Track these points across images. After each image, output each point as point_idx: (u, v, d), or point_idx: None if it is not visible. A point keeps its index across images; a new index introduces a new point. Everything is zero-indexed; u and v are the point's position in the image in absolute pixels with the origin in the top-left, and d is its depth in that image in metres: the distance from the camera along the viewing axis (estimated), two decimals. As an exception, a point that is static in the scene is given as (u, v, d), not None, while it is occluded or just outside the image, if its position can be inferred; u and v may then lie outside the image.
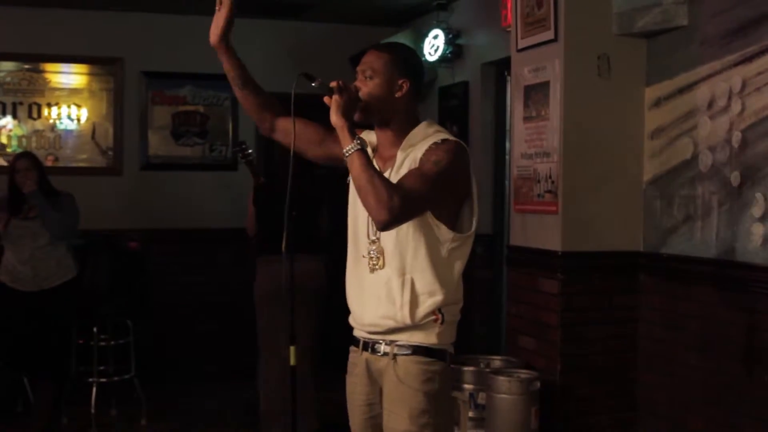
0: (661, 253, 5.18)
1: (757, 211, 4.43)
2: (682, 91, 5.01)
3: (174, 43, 8.34)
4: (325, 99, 3.00)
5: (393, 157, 3.11)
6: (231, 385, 7.77)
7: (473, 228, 3.12)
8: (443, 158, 2.98)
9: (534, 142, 5.45)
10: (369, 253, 3.13)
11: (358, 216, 3.20)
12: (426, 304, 3.07)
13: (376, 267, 3.10)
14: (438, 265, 3.06)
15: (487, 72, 7.25)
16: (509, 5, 6.03)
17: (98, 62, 8.31)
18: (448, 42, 7.50)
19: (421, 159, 3.00)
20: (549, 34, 5.30)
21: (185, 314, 8.33)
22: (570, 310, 5.25)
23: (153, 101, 8.44)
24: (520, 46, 5.63)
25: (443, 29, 7.54)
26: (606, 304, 5.33)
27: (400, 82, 3.12)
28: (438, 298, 3.07)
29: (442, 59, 7.58)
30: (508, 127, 6.72)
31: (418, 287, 3.05)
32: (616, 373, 5.37)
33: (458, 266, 3.13)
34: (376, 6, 8.01)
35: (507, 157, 6.74)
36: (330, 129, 3.10)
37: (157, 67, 8.42)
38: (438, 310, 3.09)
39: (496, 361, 5.61)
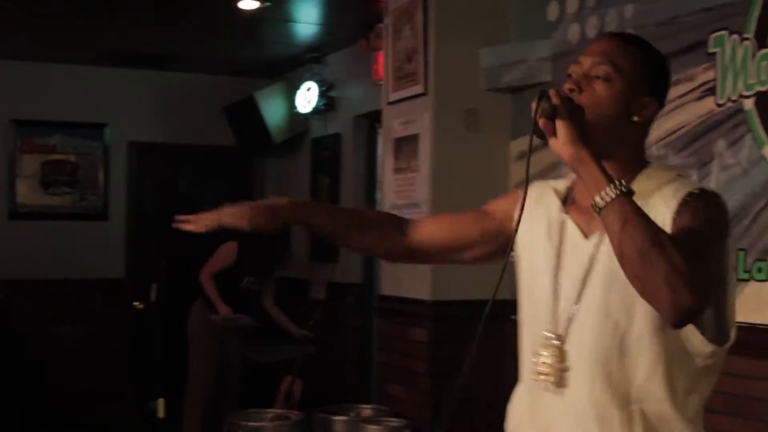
0: (527, 302, 5.29)
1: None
2: (546, 144, 5.16)
3: (44, 91, 8.22)
4: (541, 123, 1.92)
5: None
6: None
7: (734, 332, 2.01)
8: (717, 220, 1.96)
9: (404, 193, 5.55)
10: (542, 355, 2.07)
11: (536, 299, 2.15)
12: None
13: (551, 382, 2.04)
14: (680, 389, 1.97)
15: (359, 124, 7.36)
16: (380, 59, 6.14)
17: (-35, 110, 8.15)
18: (321, 94, 7.60)
19: (675, 219, 1.93)
20: (419, 88, 5.42)
21: (55, 366, 8.13)
22: (439, 358, 5.32)
23: (22, 150, 8.29)
24: (390, 99, 5.74)
25: (316, 81, 7.63)
26: (476, 351, 5.40)
27: (645, 101, 2.05)
28: None
29: (315, 111, 7.67)
30: (378, 178, 6.82)
31: (656, 427, 1.97)
32: (486, 419, 5.45)
33: (707, 391, 2.04)
34: (250, 57, 8.06)
35: (377, 208, 6.83)
36: (481, 215, 2.34)
37: (26, 115, 8.27)
38: None
39: (366, 410, 5.62)
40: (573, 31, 4.96)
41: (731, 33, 3.95)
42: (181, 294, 6.80)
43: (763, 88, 3.75)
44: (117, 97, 8.24)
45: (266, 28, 7.15)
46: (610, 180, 1.83)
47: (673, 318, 1.78)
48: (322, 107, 7.64)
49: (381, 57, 6.10)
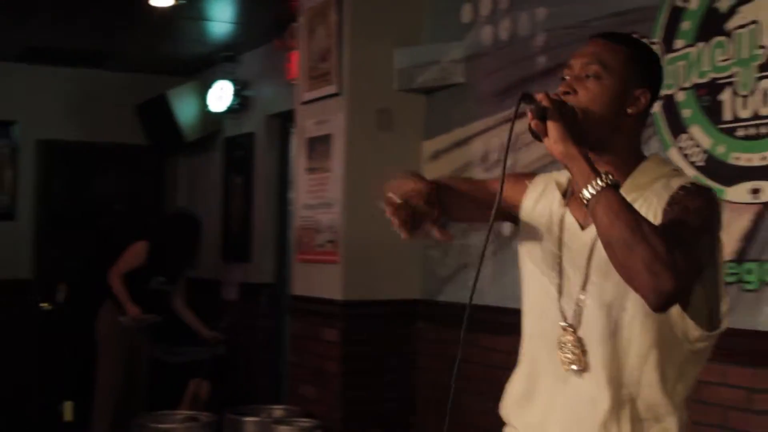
0: (438, 301, 5.34)
1: (527, 260, 4.63)
2: (458, 144, 5.21)
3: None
4: (533, 123, 2.03)
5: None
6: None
7: (725, 322, 2.10)
8: (705, 212, 2.04)
9: (317, 193, 5.55)
10: (563, 345, 2.13)
11: (540, 290, 2.23)
12: None
13: (575, 369, 2.11)
14: (670, 375, 2.07)
15: (272, 124, 7.33)
16: (294, 59, 6.13)
17: None
18: (234, 93, 7.55)
19: (666, 210, 2.03)
20: (332, 88, 5.42)
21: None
22: (351, 358, 5.33)
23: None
24: (304, 99, 5.74)
25: (230, 80, 7.59)
26: (386, 351, 5.43)
27: (637, 92, 2.13)
28: (669, 427, 2.09)
29: (229, 110, 7.62)
30: (291, 178, 6.80)
31: (642, 410, 2.07)
32: (396, 419, 5.47)
33: (694, 377, 2.14)
34: (163, 55, 7.97)
35: (290, 207, 6.81)
36: (488, 184, 2.36)
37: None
38: None
39: (278, 411, 5.62)
40: (486, 33, 5.01)
41: (639, 37, 4.01)
42: (89, 295, 6.71)
43: (669, 92, 3.83)
44: (27, 94, 8.10)
45: (180, 26, 7.08)
46: (597, 174, 1.93)
47: (654, 301, 1.87)
48: (236, 106, 7.59)
49: (295, 56, 6.09)
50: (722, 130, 3.64)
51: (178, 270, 6.71)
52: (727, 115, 3.62)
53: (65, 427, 6.35)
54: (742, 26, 3.59)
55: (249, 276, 7.46)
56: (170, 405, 6.12)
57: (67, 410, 6.32)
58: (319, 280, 5.53)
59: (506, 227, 4.71)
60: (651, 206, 2.04)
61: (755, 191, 3.51)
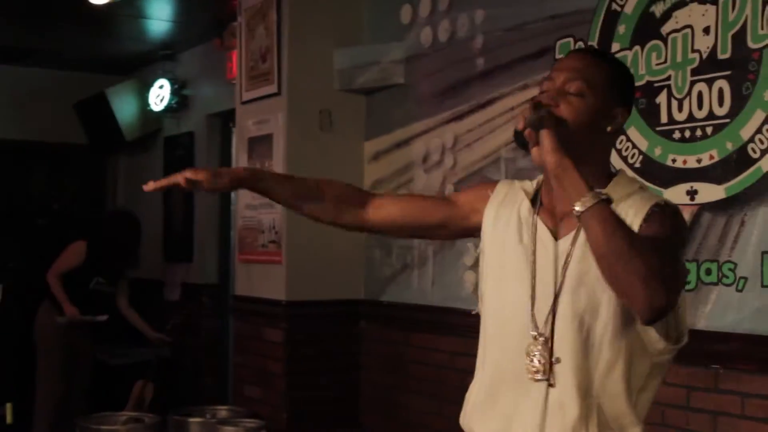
0: (381, 301, 5.37)
1: (468, 259, 4.69)
2: (399, 145, 5.24)
3: None
4: (527, 134, 2.03)
5: (575, 218, 2.00)
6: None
7: (686, 335, 2.14)
8: (681, 230, 2.17)
9: (259, 193, 5.53)
10: (532, 355, 2.13)
11: (508, 296, 2.22)
12: None
13: (542, 379, 2.11)
14: (634, 387, 2.11)
15: (213, 123, 7.30)
16: (234, 58, 6.12)
17: None
18: (173, 92, 7.52)
19: (643, 227, 2.05)
20: (272, 88, 5.42)
21: None
22: (295, 358, 5.34)
23: None
24: (244, 99, 5.72)
25: (169, 79, 7.55)
26: (330, 351, 5.45)
27: (615, 111, 2.17)
28: None
29: (168, 109, 7.58)
30: (233, 178, 6.77)
31: (609, 419, 2.10)
32: (341, 418, 5.49)
33: (654, 390, 2.18)
34: (101, 53, 7.90)
35: (232, 207, 6.79)
36: (446, 203, 2.42)
37: None
38: None
39: (222, 411, 5.60)
40: (425, 34, 5.04)
41: (576, 40, 4.08)
42: (28, 295, 6.65)
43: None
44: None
45: (118, 24, 7.02)
46: (589, 188, 1.94)
47: (647, 315, 1.91)
48: (175, 105, 7.55)
49: (235, 56, 6.08)
50: (659, 132, 3.71)
51: (117, 270, 6.67)
52: (663, 118, 3.69)
53: (6, 430, 6.27)
54: (676, 30, 3.66)
55: (191, 276, 7.44)
56: (114, 407, 6.07)
57: (8, 412, 6.24)
58: (262, 281, 5.53)
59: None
60: (627, 220, 2.03)
61: (692, 193, 3.58)
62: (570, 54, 2.26)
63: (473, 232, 2.37)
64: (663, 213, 2.07)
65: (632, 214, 2.07)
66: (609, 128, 2.16)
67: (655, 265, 1.86)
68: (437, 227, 2.41)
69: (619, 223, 1.92)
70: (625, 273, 1.87)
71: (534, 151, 2.02)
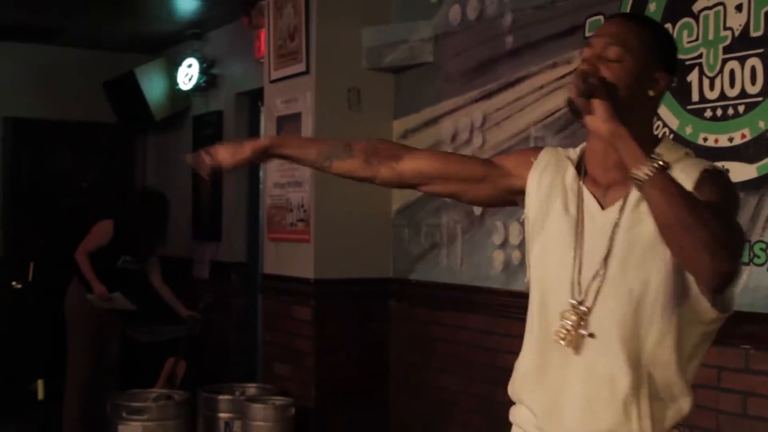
0: (409, 280, 5.38)
1: (497, 238, 4.69)
2: (427, 124, 5.23)
3: None
4: (580, 103, 2.01)
5: (621, 187, 2.09)
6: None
7: (734, 302, 2.12)
8: (735, 196, 2.13)
9: (287, 172, 5.55)
10: (564, 319, 2.11)
11: (553, 265, 2.19)
12: (669, 419, 2.10)
13: (562, 345, 2.10)
14: (684, 357, 2.08)
15: (241, 102, 7.31)
16: (263, 37, 6.11)
17: None
18: (202, 71, 7.52)
19: (699, 191, 2.00)
20: (301, 67, 5.42)
21: None
22: (323, 336, 5.36)
23: None
24: (272, 78, 5.73)
25: (197, 58, 7.55)
26: (358, 329, 5.47)
27: (656, 75, 2.13)
28: (683, 407, 2.11)
29: (197, 88, 7.59)
30: (262, 157, 6.78)
31: (660, 388, 2.08)
32: (369, 396, 5.51)
33: (702, 356, 2.15)
34: (130, 33, 7.92)
35: (261, 186, 6.81)
36: (485, 161, 2.39)
37: None
38: (682, 425, 2.13)
39: (251, 389, 5.65)
40: (454, 12, 5.02)
41: (607, 18, 4.04)
42: (59, 273, 6.69)
43: (636, 72, 3.85)
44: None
45: (147, 3, 7.03)
46: (646, 156, 1.91)
47: (715, 282, 1.89)
48: (203, 84, 7.56)
49: (263, 34, 6.07)
50: (690, 111, 3.68)
51: (145, 249, 6.69)
52: (694, 96, 3.66)
53: (38, 406, 6.34)
54: (708, 8, 3.63)
55: (220, 255, 7.46)
56: (144, 384, 6.12)
57: (40, 389, 6.29)
58: (291, 259, 5.55)
59: (476, 207, 4.76)
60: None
61: (722, 172, 3.55)
62: (608, 19, 2.25)
63: (512, 195, 2.33)
64: (714, 178, 2.04)
65: (683, 179, 2.00)
66: (651, 93, 2.12)
67: (719, 232, 1.84)
68: (475, 181, 2.33)
69: (681, 191, 1.88)
70: (691, 241, 1.84)
71: (588, 119, 1.99)
